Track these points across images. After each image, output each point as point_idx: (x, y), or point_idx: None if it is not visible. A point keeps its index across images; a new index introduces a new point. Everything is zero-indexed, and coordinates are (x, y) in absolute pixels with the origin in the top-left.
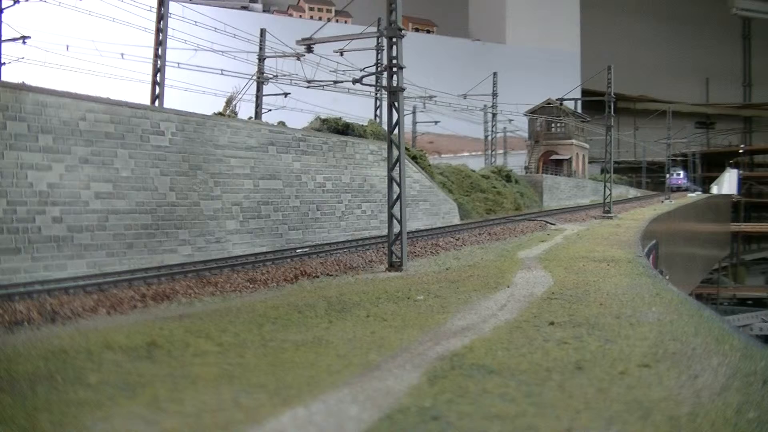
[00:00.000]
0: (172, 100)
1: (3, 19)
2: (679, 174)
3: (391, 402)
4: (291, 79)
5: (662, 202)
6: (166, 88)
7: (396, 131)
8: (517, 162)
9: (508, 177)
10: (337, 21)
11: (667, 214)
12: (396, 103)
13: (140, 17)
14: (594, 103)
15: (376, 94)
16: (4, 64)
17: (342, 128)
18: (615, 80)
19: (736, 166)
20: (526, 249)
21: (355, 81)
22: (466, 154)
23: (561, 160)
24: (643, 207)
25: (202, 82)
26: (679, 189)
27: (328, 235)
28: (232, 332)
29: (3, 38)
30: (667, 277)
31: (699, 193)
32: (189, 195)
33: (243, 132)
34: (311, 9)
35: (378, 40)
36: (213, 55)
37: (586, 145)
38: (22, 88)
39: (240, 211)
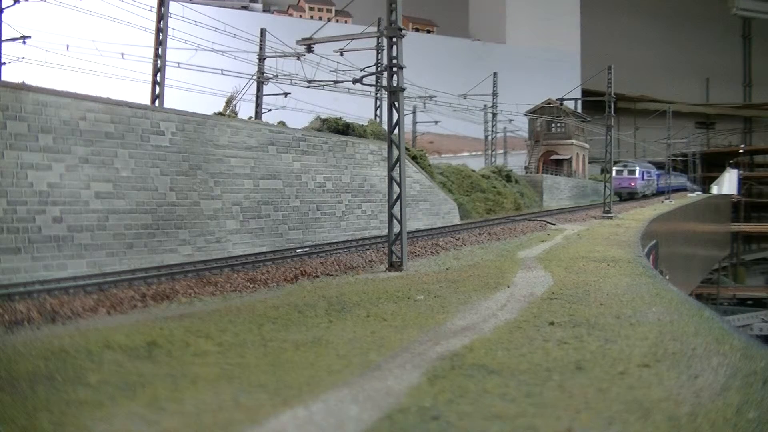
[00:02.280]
0: (172, 100)
1: (3, 19)
2: (631, 170)
3: (391, 402)
4: (291, 79)
5: (662, 202)
6: (166, 88)
7: (396, 131)
8: (517, 162)
9: (508, 177)
10: (337, 21)
11: (667, 214)
12: (396, 103)
13: (140, 17)
14: (594, 103)
15: (376, 94)
16: (4, 64)
17: (342, 128)
18: (615, 80)
19: (736, 166)
20: (526, 249)
21: (355, 81)
22: (466, 154)
23: (561, 160)
24: (643, 207)
25: (202, 82)
26: (632, 196)
27: (328, 235)
28: (232, 332)
29: (3, 38)
30: (667, 277)
31: (699, 193)
32: (189, 195)
33: (243, 132)
34: (311, 9)
35: (378, 40)
36: (213, 55)
37: (586, 145)
38: (22, 88)
39: (240, 211)
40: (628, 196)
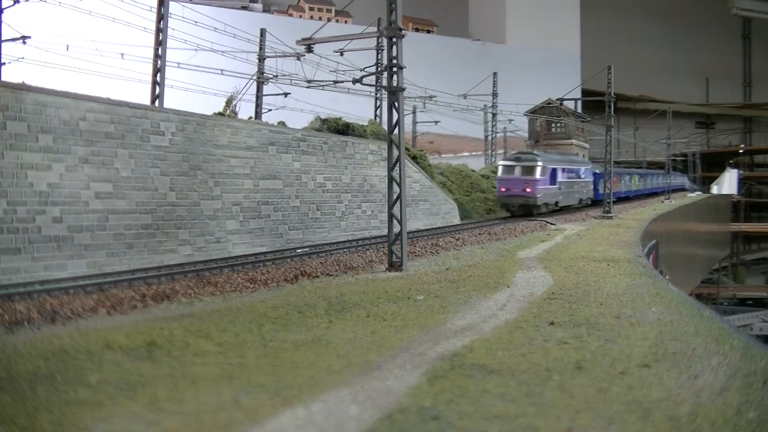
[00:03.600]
0: (172, 100)
1: (3, 19)
2: (528, 168)
3: (391, 402)
4: (291, 79)
5: (662, 202)
6: (166, 88)
7: (396, 131)
8: None
9: None
10: (337, 21)
11: (667, 214)
12: (396, 103)
13: (140, 17)
14: (594, 103)
15: (376, 94)
16: (4, 64)
17: (342, 128)
18: (615, 80)
19: (736, 166)
20: (526, 249)
21: (355, 81)
22: (466, 154)
23: None
24: (643, 207)
25: (202, 82)
26: (528, 210)
27: (328, 235)
28: (232, 332)
29: (3, 38)
30: (667, 277)
31: (699, 193)
32: (189, 195)
33: (243, 132)
34: (311, 9)
35: (378, 40)
36: (213, 55)
37: (586, 145)
38: (22, 88)
39: (240, 211)
40: (520, 209)
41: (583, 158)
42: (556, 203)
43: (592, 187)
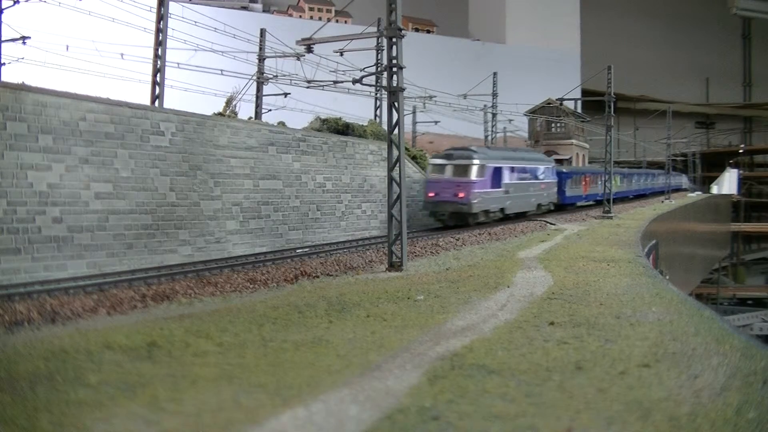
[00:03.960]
0: (172, 100)
1: (3, 19)
2: (461, 167)
3: (391, 402)
4: (291, 79)
5: (662, 202)
6: (166, 88)
7: (396, 131)
8: None
9: None
10: (337, 21)
11: (667, 214)
12: (396, 103)
13: (140, 17)
14: (594, 103)
15: (376, 94)
16: (4, 64)
17: (342, 128)
18: (615, 80)
19: (736, 166)
20: (526, 249)
21: (355, 81)
22: None
23: (561, 160)
24: (643, 207)
25: (202, 82)
26: (463, 219)
27: (328, 235)
28: (232, 332)
29: (3, 38)
30: (667, 277)
31: (699, 193)
32: (189, 195)
33: (243, 132)
34: (311, 9)
35: (378, 40)
36: (213, 56)
37: (586, 145)
38: (22, 88)
39: (240, 212)
40: (451, 218)
41: (543, 155)
42: (502, 210)
43: (555, 189)
